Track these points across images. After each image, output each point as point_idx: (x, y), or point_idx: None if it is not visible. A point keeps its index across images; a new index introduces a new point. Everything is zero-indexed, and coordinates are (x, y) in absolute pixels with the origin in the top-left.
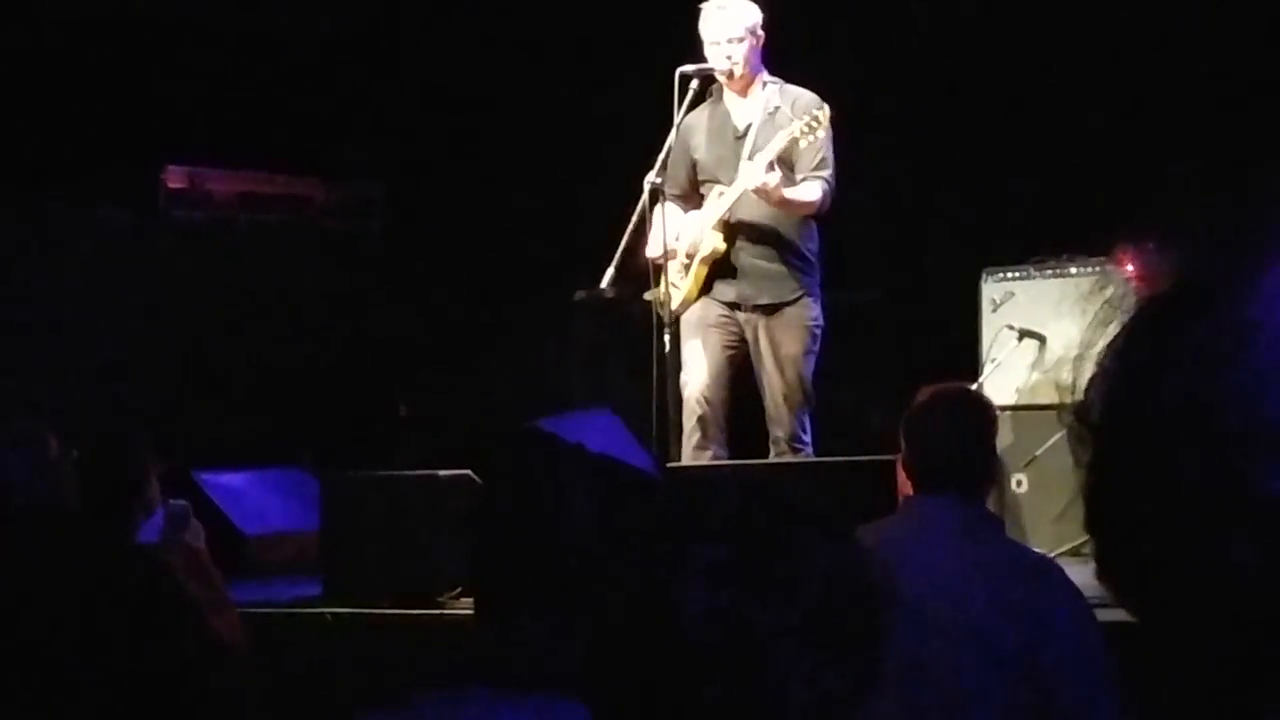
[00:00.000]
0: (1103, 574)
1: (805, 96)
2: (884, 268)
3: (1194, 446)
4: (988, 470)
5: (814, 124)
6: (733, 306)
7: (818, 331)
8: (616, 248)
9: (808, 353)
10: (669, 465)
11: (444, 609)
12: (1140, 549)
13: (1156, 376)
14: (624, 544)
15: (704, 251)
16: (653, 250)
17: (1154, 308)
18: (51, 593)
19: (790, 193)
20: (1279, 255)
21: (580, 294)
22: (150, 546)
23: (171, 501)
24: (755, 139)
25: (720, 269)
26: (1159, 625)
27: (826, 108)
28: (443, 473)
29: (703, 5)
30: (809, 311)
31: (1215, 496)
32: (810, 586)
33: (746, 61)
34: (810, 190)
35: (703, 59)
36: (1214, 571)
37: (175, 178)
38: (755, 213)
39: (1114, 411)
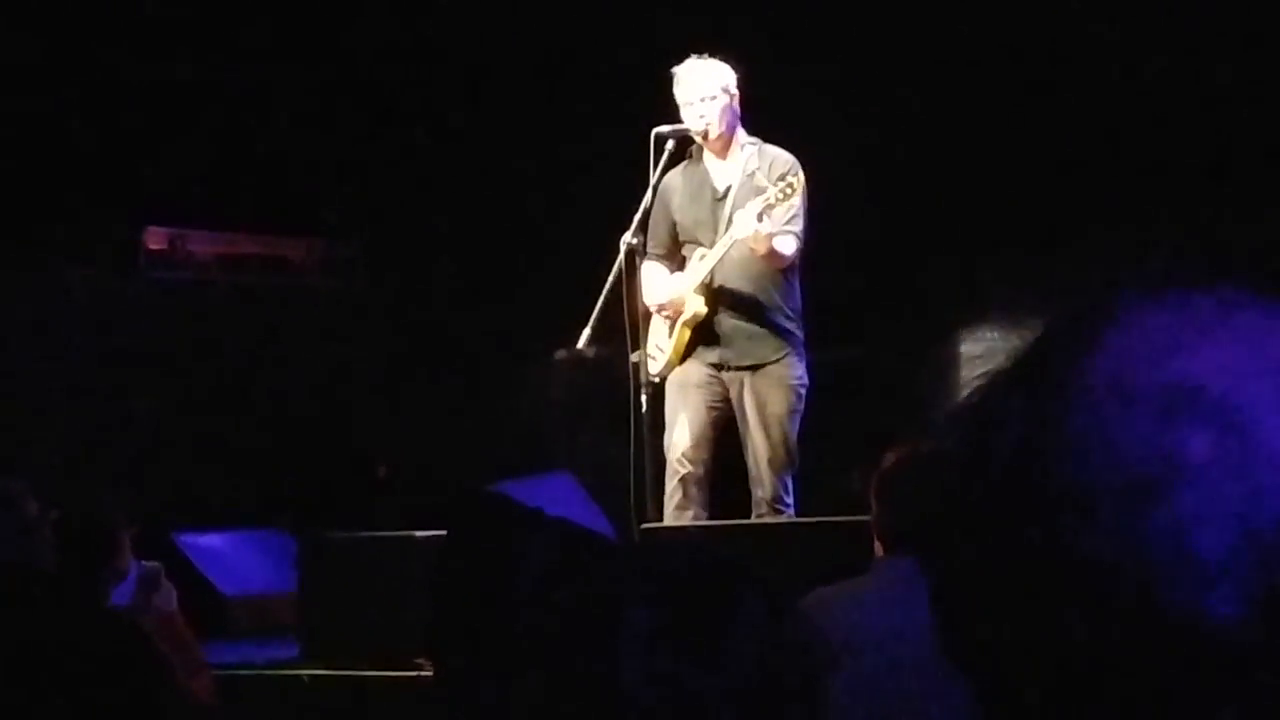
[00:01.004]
0: (946, 650)
1: (782, 157)
2: (864, 327)
3: (1018, 514)
4: None
5: (789, 190)
6: (717, 367)
7: (802, 390)
8: (593, 308)
9: (793, 411)
10: (643, 526)
11: (421, 671)
12: (977, 624)
13: (987, 446)
14: (571, 608)
15: (686, 315)
16: (634, 309)
17: (993, 375)
18: (22, 653)
19: (775, 243)
20: (1107, 319)
21: (560, 353)
22: (121, 609)
23: (144, 564)
24: (734, 202)
25: (703, 332)
26: (997, 701)
27: (801, 172)
28: (419, 534)
29: (675, 69)
30: (793, 370)
31: (1041, 565)
32: (747, 651)
33: (721, 120)
34: (784, 243)
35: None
36: (1048, 646)
37: (155, 238)
38: (736, 275)
39: (951, 482)
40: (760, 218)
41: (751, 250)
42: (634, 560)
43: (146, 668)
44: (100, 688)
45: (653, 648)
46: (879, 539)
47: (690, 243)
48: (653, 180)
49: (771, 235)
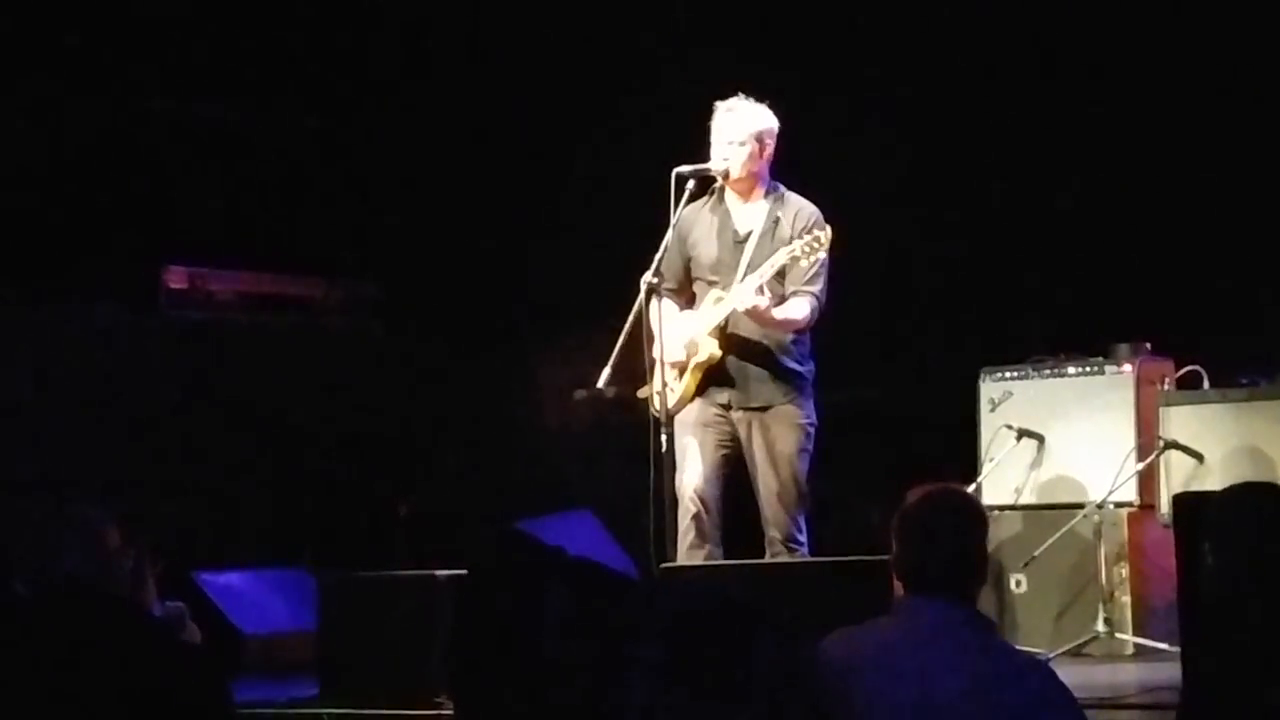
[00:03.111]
0: None
1: (806, 209)
2: (884, 367)
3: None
4: (978, 572)
5: (815, 244)
6: (726, 407)
7: (811, 430)
8: (613, 347)
9: (801, 451)
10: (663, 565)
11: (441, 709)
12: None
13: None
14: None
15: (700, 357)
16: (653, 347)
17: None
18: (100, 677)
19: (778, 312)
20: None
21: (580, 393)
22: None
23: (167, 604)
24: (755, 248)
25: (713, 373)
26: None
27: (828, 229)
28: (440, 573)
29: (718, 104)
30: (802, 410)
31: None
32: (758, 690)
33: (746, 166)
34: (798, 307)
35: (707, 157)
36: None
37: (176, 277)
38: (749, 322)
39: None
40: (760, 290)
41: (754, 320)
42: (648, 598)
43: (218, 698)
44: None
45: (665, 683)
46: (900, 578)
47: (704, 281)
48: (673, 218)
49: (771, 308)
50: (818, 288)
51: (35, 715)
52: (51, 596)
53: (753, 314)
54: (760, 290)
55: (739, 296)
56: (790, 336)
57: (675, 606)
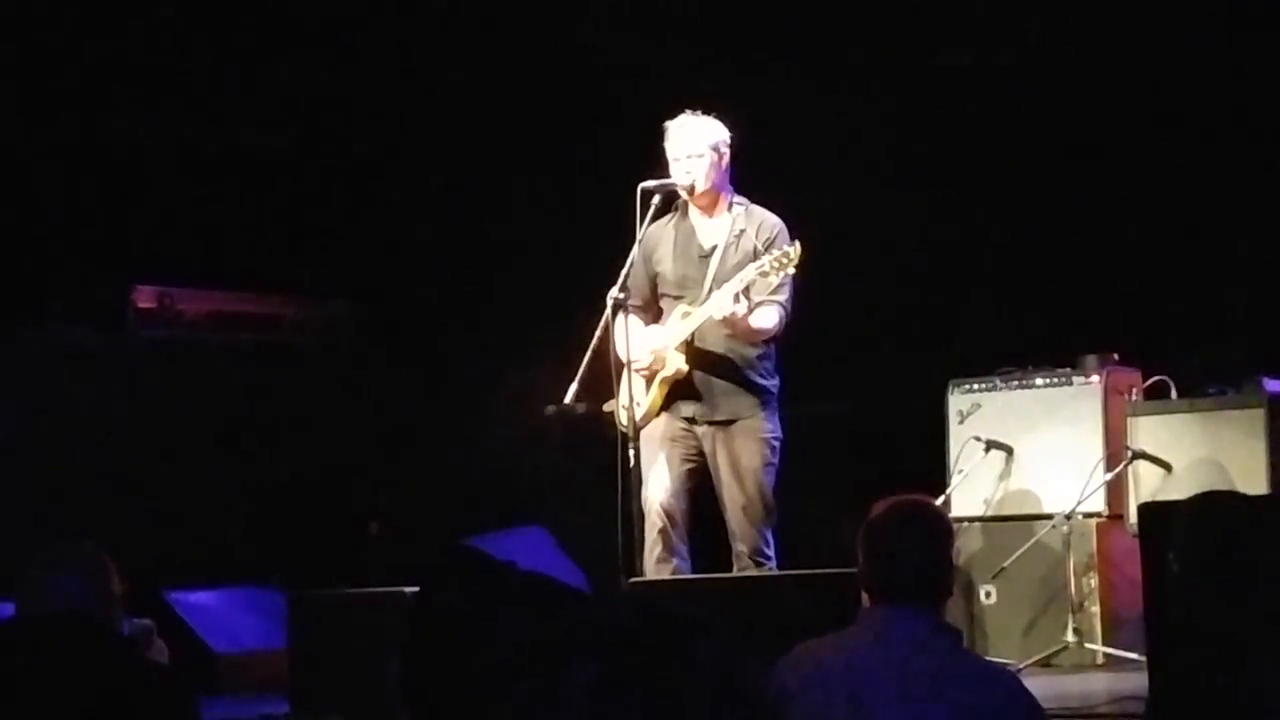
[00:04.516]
0: None
1: (770, 221)
2: (852, 380)
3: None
4: (945, 582)
5: (784, 260)
6: (691, 421)
7: (775, 444)
8: (580, 363)
9: (767, 465)
10: (631, 580)
11: None
12: None
13: None
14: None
15: (666, 372)
16: (618, 356)
17: None
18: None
19: (752, 320)
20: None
21: (550, 409)
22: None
23: (135, 621)
24: (719, 262)
25: (679, 387)
26: None
27: (797, 245)
28: (409, 590)
29: (667, 124)
30: (766, 424)
31: None
32: (697, 704)
33: (708, 177)
34: (767, 316)
35: (667, 174)
36: None
37: (144, 297)
38: (716, 335)
39: None
40: (737, 298)
41: (729, 329)
42: (585, 613)
43: (185, 716)
44: None
45: (597, 697)
46: (866, 590)
47: (670, 296)
48: (639, 234)
49: (748, 315)
50: (784, 297)
51: None
52: (19, 623)
53: (729, 321)
54: (737, 298)
55: (717, 304)
56: (756, 351)
57: (610, 621)
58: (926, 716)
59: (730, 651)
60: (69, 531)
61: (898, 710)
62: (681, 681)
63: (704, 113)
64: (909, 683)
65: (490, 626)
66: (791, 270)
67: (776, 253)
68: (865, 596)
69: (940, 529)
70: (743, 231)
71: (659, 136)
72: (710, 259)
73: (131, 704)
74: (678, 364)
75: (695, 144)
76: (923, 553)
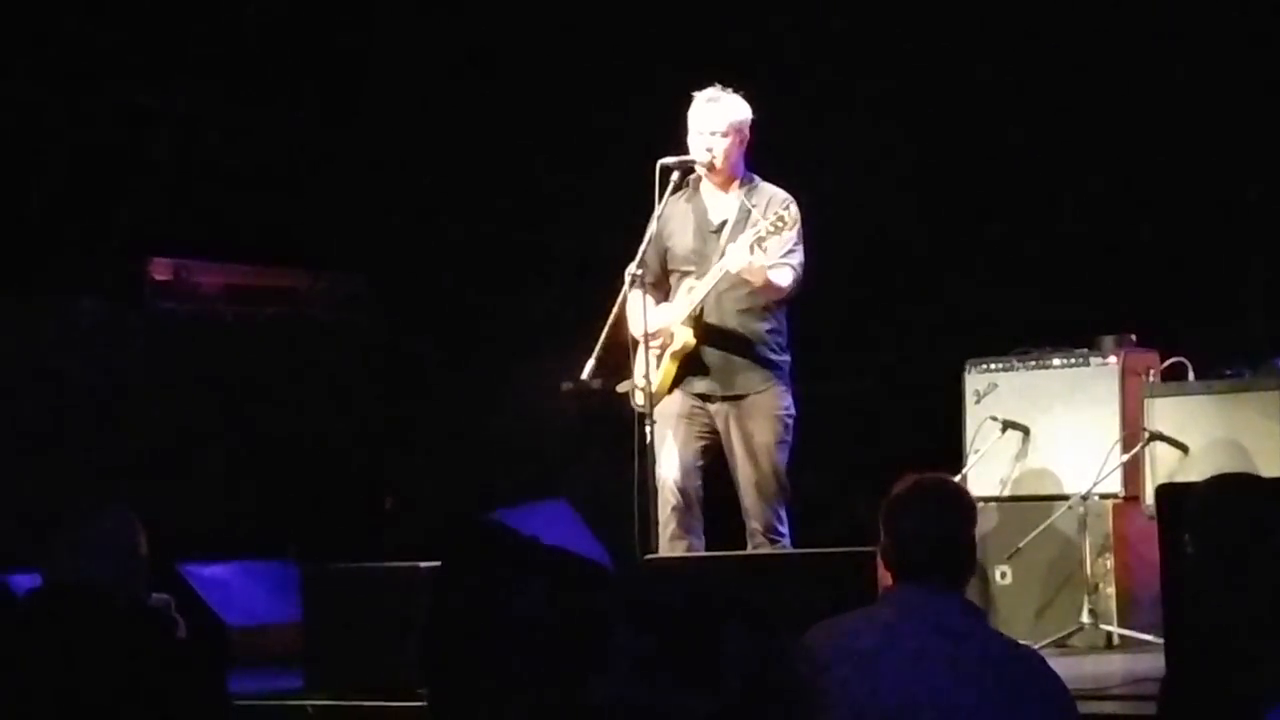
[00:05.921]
0: None
1: (778, 196)
2: (868, 359)
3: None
4: (967, 560)
5: (779, 223)
6: (704, 398)
7: (789, 420)
8: (597, 338)
9: (780, 442)
10: (647, 556)
11: (425, 701)
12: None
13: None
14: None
15: (675, 346)
16: (631, 333)
17: None
18: (132, 673)
19: (770, 274)
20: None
21: (567, 385)
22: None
23: (154, 595)
24: (730, 236)
25: (690, 363)
26: None
27: (794, 204)
28: (424, 564)
29: (695, 94)
30: (779, 400)
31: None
32: (733, 677)
33: (727, 156)
34: (781, 275)
35: (685, 148)
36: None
37: (160, 270)
38: (724, 308)
39: None
40: (752, 249)
41: (747, 281)
42: (625, 588)
43: (213, 690)
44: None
45: (640, 672)
46: (887, 568)
47: (680, 272)
48: (656, 210)
49: (766, 267)
50: (795, 260)
51: (32, 710)
52: (46, 591)
53: (747, 271)
54: (752, 249)
55: (732, 258)
56: (766, 325)
57: (654, 597)
58: (954, 697)
59: (763, 628)
60: (88, 503)
61: (924, 690)
62: (714, 658)
63: (732, 89)
64: (936, 663)
65: (512, 602)
66: (790, 235)
67: (772, 216)
68: (886, 574)
69: (963, 505)
70: (753, 207)
71: (683, 105)
72: (719, 234)
73: (159, 675)
74: (685, 338)
75: (721, 121)
76: (945, 529)
